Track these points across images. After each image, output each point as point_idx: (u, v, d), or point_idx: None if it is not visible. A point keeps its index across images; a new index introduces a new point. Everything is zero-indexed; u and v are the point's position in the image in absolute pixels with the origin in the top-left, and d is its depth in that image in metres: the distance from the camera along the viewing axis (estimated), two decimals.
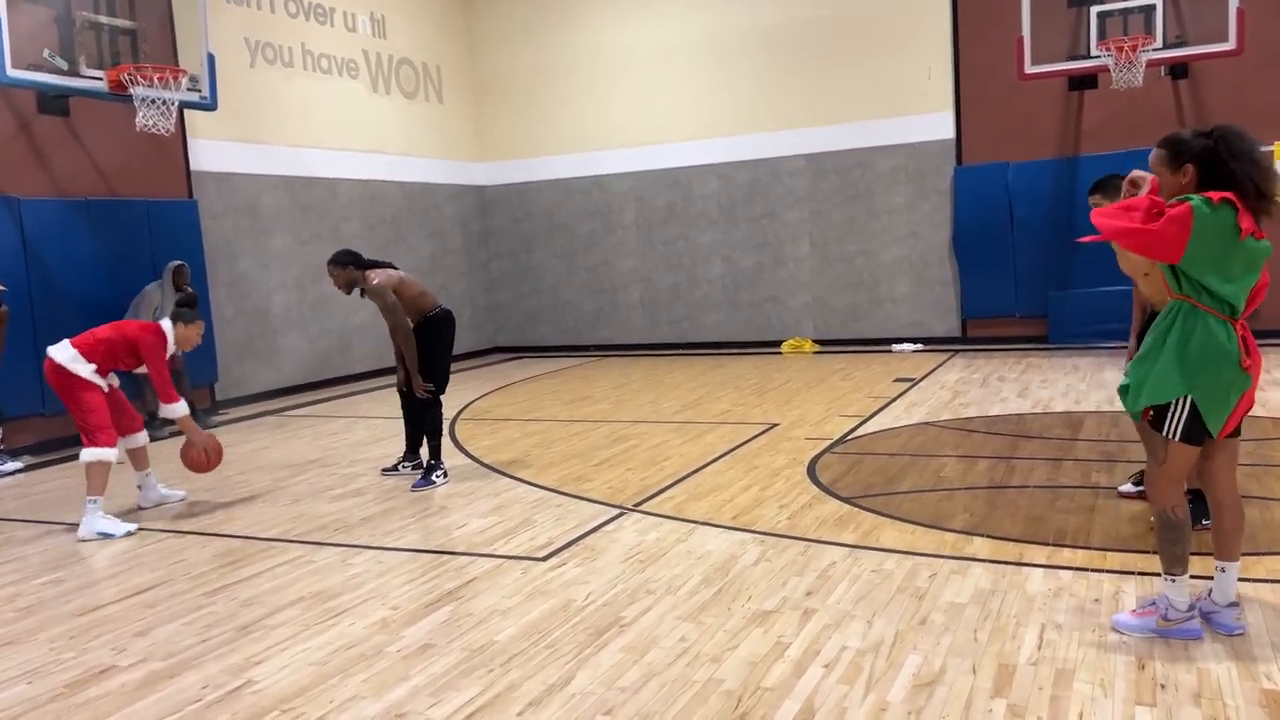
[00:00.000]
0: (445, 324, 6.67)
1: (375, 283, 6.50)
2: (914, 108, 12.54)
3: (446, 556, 4.94)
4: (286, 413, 10.32)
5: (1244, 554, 4.26)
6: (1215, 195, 3.15)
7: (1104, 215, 3.37)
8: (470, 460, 7.29)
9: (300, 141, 11.90)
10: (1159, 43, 10.19)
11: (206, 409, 10.14)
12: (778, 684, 3.28)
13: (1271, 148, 10.98)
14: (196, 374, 9.86)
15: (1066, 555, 4.40)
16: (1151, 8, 10.28)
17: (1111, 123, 11.54)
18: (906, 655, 3.44)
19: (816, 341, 13.17)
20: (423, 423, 6.68)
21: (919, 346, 12.56)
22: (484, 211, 15.10)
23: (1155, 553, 4.29)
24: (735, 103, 13.40)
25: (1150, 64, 10.22)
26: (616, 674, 3.43)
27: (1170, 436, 3.30)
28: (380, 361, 12.92)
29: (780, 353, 13.04)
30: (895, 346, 12.63)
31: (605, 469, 6.70)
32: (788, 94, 13.10)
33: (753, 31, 13.22)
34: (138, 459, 6.33)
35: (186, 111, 9.88)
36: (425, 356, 6.54)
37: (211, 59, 9.41)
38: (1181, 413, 3.26)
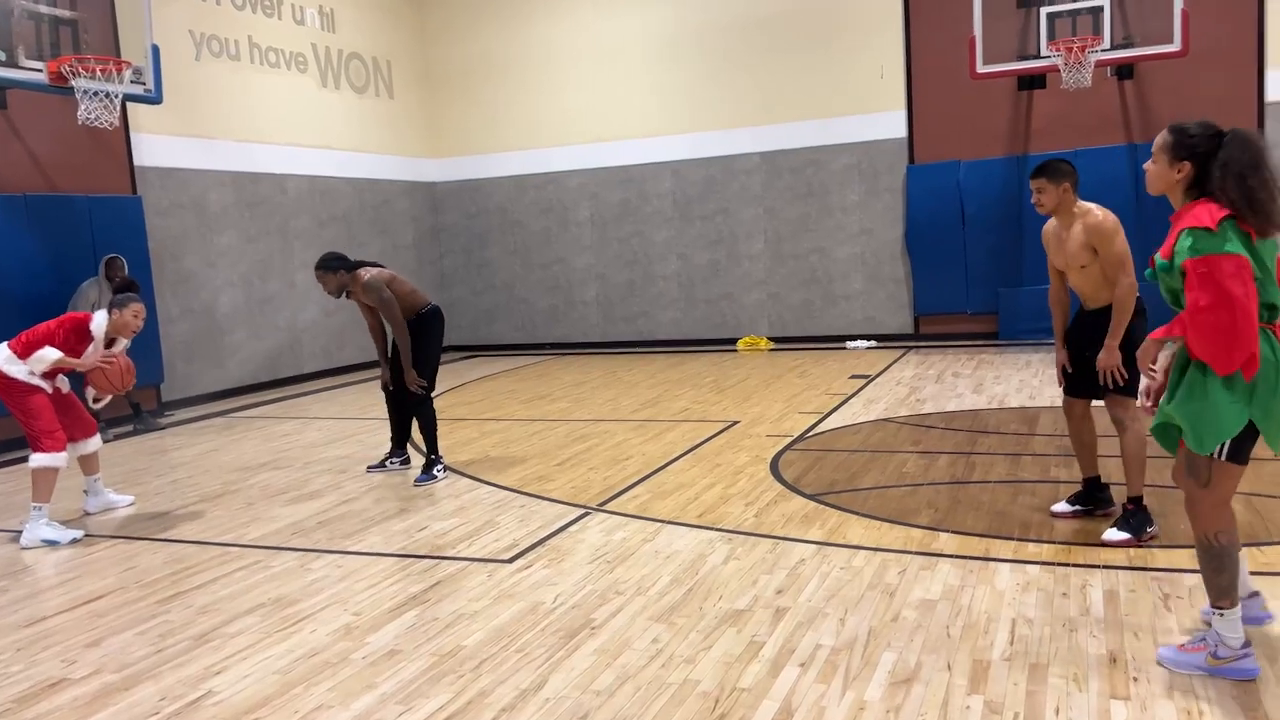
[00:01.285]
0: (436, 320, 6.68)
1: (368, 278, 6.45)
2: (867, 106, 12.64)
3: (409, 560, 4.84)
4: (235, 414, 10.09)
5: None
6: (1212, 220, 2.95)
7: (1196, 342, 2.99)
8: None
9: (247, 136, 11.64)
10: (1107, 43, 10.37)
11: (152, 410, 9.87)
12: (754, 684, 3.25)
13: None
14: (141, 374, 9.57)
15: (1032, 550, 4.44)
16: (1099, 9, 10.46)
17: (1059, 122, 11.74)
18: (881, 653, 3.43)
19: (771, 339, 13.22)
20: (418, 419, 6.63)
21: (873, 343, 12.66)
22: (436, 208, 14.92)
23: (1105, 544, 4.38)
24: (689, 100, 13.39)
25: (1098, 64, 10.40)
26: (590, 677, 3.37)
27: (1217, 457, 3.03)
28: (330, 361, 12.71)
29: (736, 350, 13.06)
30: (849, 343, 12.72)
31: (567, 469, 6.64)
32: (742, 92, 13.12)
33: (706, 29, 13.22)
34: (87, 464, 6.11)
35: (130, 105, 9.59)
36: (418, 352, 6.51)
37: (156, 51, 9.13)
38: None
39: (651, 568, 4.48)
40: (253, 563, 4.95)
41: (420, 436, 6.66)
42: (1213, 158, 3.02)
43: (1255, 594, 3.42)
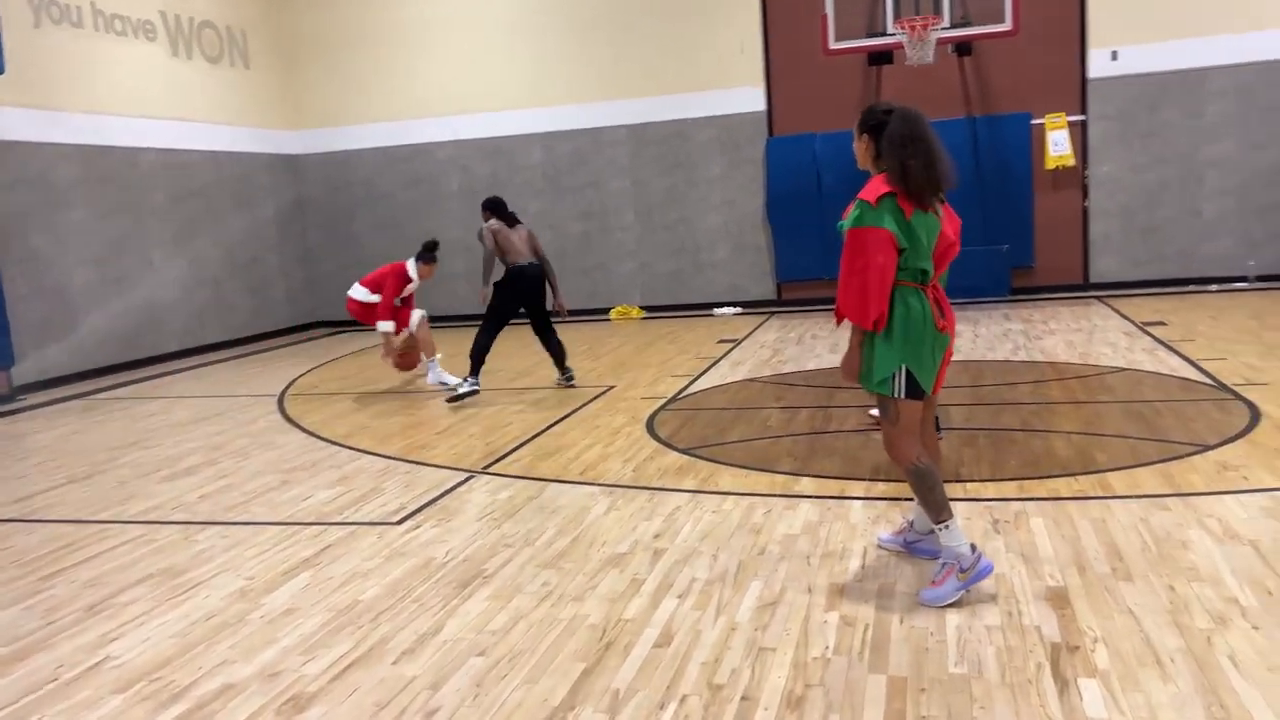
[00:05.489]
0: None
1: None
2: (728, 81, 13.05)
3: (296, 527, 4.94)
4: (94, 395, 9.76)
5: (1029, 477, 4.90)
6: (875, 196, 3.40)
7: (841, 299, 3.49)
8: (306, 435, 7.20)
9: (94, 108, 11.15)
10: (946, 22, 11.05)
11: (4, 394, 9.46)
12: (637, 615, 3.55)
13: (1043, 120, 12.17)
14: None
15: (882, 488, 4.90)
16: None
17: (905, 96, 12.31)
18: (749, 582, 3.79)
19: (643, 307, 13.57)
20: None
21: (738, 310, 13.17)
22: (299, 181, 14.60)
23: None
24: (557, 72, 13.52)
25: (940, 42, 11.07)
26: (485, 620, 3.61)
27: (897, 395, 3.50)
28: (193, 340, 12.38)
29: (609, 319, 13.36)
30: (716, 310, 13.20)
31: (448, 436, 6.80)
32: (608, 65, 13.33)
33: (571, 2, 13.34)
34: None
35: None
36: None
37: None
38: (900, 377, 3.48)
39: (538, 521, 4.73)
40: (135, 537, 4.95)
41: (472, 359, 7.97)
42: (880, 131, 3.48)
43: (933, 530, 3.78)
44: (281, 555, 4.53)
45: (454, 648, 3.40)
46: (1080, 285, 12.40)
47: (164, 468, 6.48)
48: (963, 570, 3.44)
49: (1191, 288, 11.94)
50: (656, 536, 4.40)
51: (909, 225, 3.44)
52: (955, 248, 3.74)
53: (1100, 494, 4.56)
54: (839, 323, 3.62)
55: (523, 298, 8.31)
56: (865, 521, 4.40)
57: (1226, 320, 9.47)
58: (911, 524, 3.98)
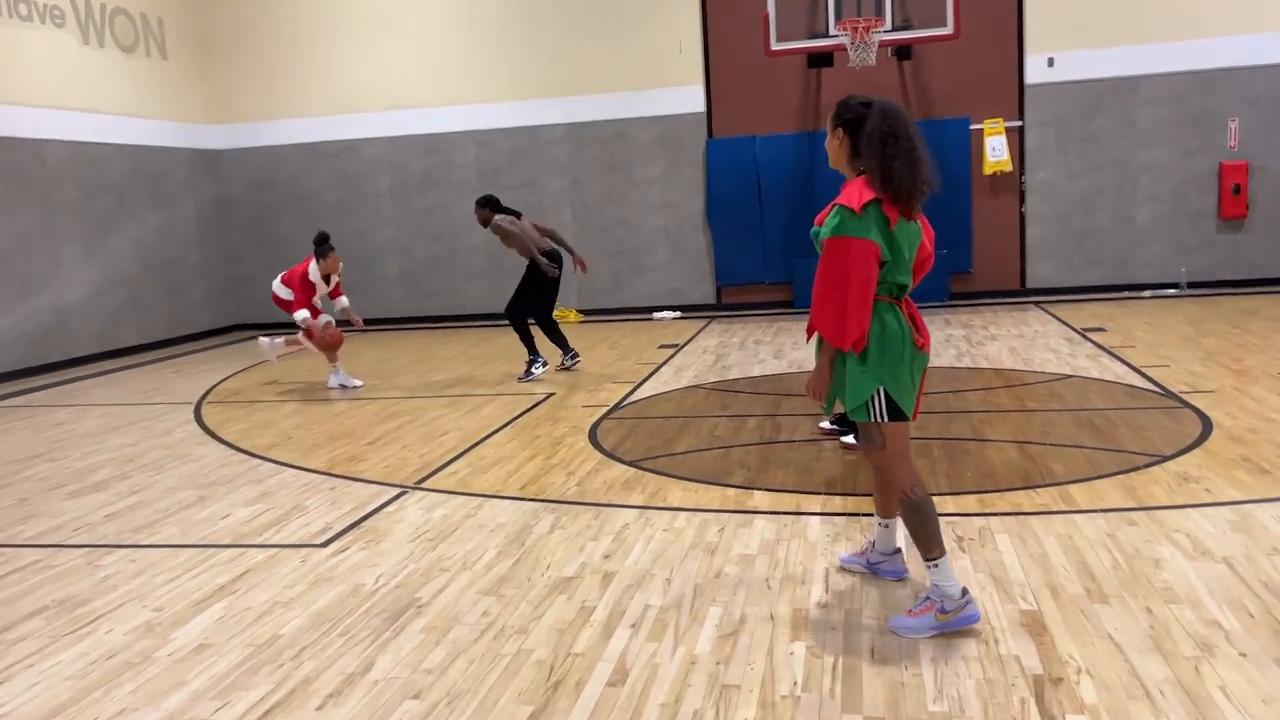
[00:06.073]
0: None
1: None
2: (668, 80, 12.83)
3: (212, 550, 4.55)
4: None
5: (988, 490, 4.73)
6: (859, 203, 3.09)
7: (816, 313, 3.21)
8: (226, 446, 6.76)
9: None
10: (889, 25, 10.98)
11: None
12: (588, 648, 3.27)
13: (981, 126, 12.19)
14: None
15: (838, 502, 4.69)
16: None
17: None
18: (707, 609, 3.54)
19: (580, 311, 13.27)
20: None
21: (678, 314, 12.96)
22: (219, 177, 13.98)
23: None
24: (492, 68, 13.15)
25: (882, 44, 11.00)
26: (420, 656, 3.30)
27: (879, 418, 3.22)
28: (106, 343, 11.74)
29: None
30: (656, 314, 12.96)
31: (379, 447, 6.43)
32: (546, 62, 13.01)
33: None
34: None
35: None
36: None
37: None
38: (880, 399, 3.20)
39: (476, 542, 4.41)
40: (31, 563, 4.51)
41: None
42: (863, 125, 3.16)
43: (898, 549, 3.67)
44: (194, 582, 4.14)
45: (385, 689, 3.08)
46: (1017, 291, 12.45)
47: (70, 482, 6.00)
48: (944, 611, 3.17)
49: (1126, 294, 12.06)
50: (606, 557, 4.12)
51: (891, 235, 3.14)
52: (931, 259, 3.41)
53: (1064, 508, 4.41)
54: (810, 338, 3.36)
55: (557, 281, 8.69)
56: (824, 539, 4.18)
57: (1164, 326, 9.54)
58: (873, 544, 3.75)
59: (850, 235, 3.11)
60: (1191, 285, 11.96)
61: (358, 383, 8.80)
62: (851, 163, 3.27)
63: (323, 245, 8.65)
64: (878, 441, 3.28)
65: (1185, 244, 12.03)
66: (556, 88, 13.05)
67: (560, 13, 12.89)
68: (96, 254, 11.70)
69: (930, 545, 3.24)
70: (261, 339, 9.48)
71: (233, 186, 14.05)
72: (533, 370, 8.57)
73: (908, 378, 3.23)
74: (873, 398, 3.20)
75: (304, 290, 8.65)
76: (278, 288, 8.93)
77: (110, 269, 11.90)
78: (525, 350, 8.69)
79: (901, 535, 3.68)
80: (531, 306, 8.67)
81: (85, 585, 4.19)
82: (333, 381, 8.81)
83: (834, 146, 3.31)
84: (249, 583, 4.10)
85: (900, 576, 3.66)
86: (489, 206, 8.67)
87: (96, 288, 11.64)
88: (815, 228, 3.32)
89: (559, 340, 8.87)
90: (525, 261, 8.63)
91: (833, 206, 3.20)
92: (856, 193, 3.14)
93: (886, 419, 3.23)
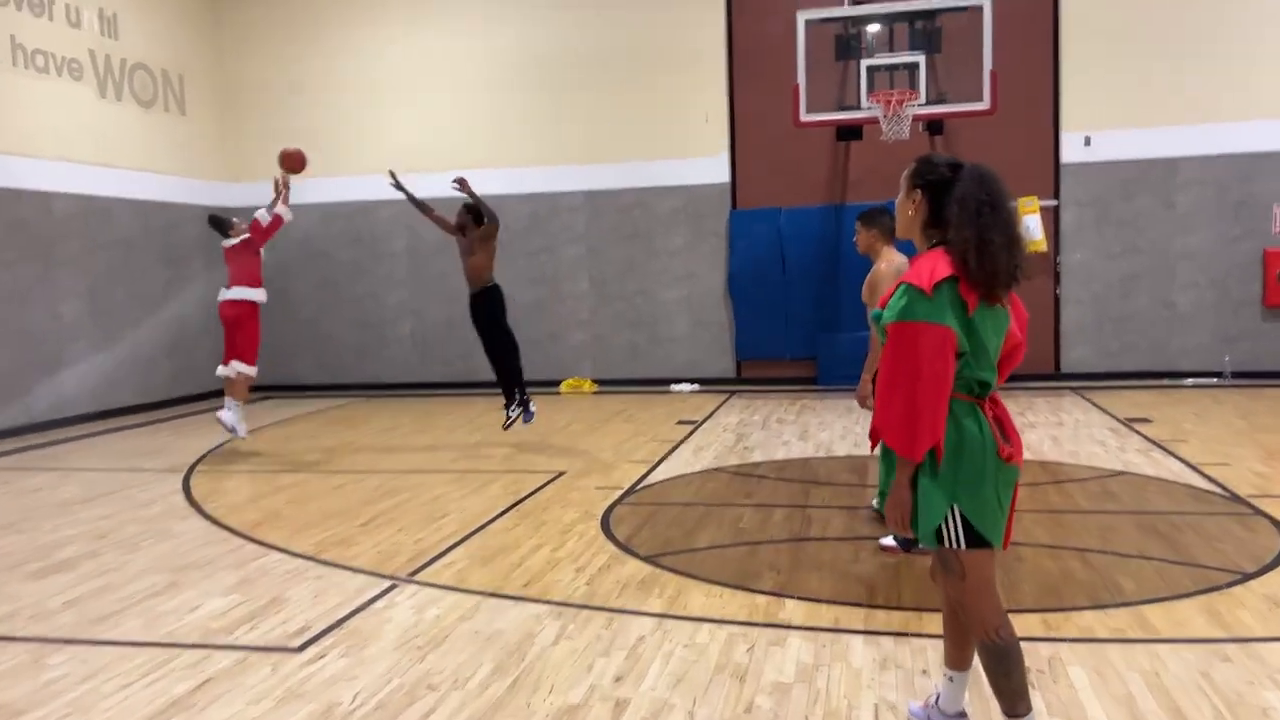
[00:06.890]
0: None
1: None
2: (691, 150, 12.55)
3: (174, 650, 4.03)
4: None
5: (1052, 609, 4.18)
6: (930, 282, 2.62)
7: (880, 415, 2.70)
8: (209, 522, 6.26)
9: (5, 148, 10.24)
10: (923, 99, 10.67)
11: None
12: None
13: (1015, 204, 11.79)
14: None
15: (882, 618, 4.15)
16: (915, 65, 10.76)
17: (873, 174, 12.00)
18: None
19: (596, 381, 12.81)
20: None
21: (696, 387, 12.48)
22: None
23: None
24: (511, 134, 12.91)
25: (915, 118, 10.68)
26: None
27: (955, 545, 2.69)
28: (99, 403, 11.31)
29: (559, 392, 12.56)
30: (674, 386, 12.49)
31: (373, 530, 5.92)
32: (566, 129, 12.77)
33: (528, 63, 12.82)
34: None
35: None
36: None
37: None
38: (954, 521, 2.67)
39: (470, 653, 3.88)
40: None
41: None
42: (949, 190, 2.70)
43: (963, 714, 3.02)
44: (147, 692, 3.62)
45: None
46: (1052, 374, 11.93)
47: (34, 559, 5.51)
48: None
49: (1166, 381, 11.53)
50: (618, 680, 3.58)
51: (970, 323, 2.62)
52: (1022, 349, 2.84)
53: (1142, 635, 3.86)
54: (874, 446, 2.83)
55: (478, 315, 8.95)
56: (870, 665, 3.63)
57: (1213, 419, 8.98)
58: (937, 698, 3.05)
59: (921, 320, 2.59)
60: (1235, 374, 11.42)
61: (241, 433, 8.78)
62: (926, 232, 2.78)
63: (219, 226, 9.36)
64: (956, 571, 2.71)
65: (1227, 332, 11.51)
66: (575, 155, 12.77)
67: (582, 81, 12.67)
68: (98, 309, 11.35)
69: (1016, 700, 2.69)
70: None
71: None
72: (529, 409, 8.66)
73: (992, 495, 2.66)
74: (947, 518, 2.66)
75: (266, 232, 9.26)
76: (235, 293, 9.06)
77: (111, 325, 11.54)
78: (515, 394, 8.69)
79: (966, 694, 3.06)
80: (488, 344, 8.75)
81: (24, 691, 3.67)
82: (225, 417, 8.69)
83: (907, 210, 2.81)
84: (209, 694, 3.57)
85: None
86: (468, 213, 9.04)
87: (94, 343, 11.27)
88: (876, 309, 2.83)
89: (503, 386, 8.74)
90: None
91: (900, 285, 2.71)
92: (929, 268, 2.63)
93: (964, 546, 2.68)
